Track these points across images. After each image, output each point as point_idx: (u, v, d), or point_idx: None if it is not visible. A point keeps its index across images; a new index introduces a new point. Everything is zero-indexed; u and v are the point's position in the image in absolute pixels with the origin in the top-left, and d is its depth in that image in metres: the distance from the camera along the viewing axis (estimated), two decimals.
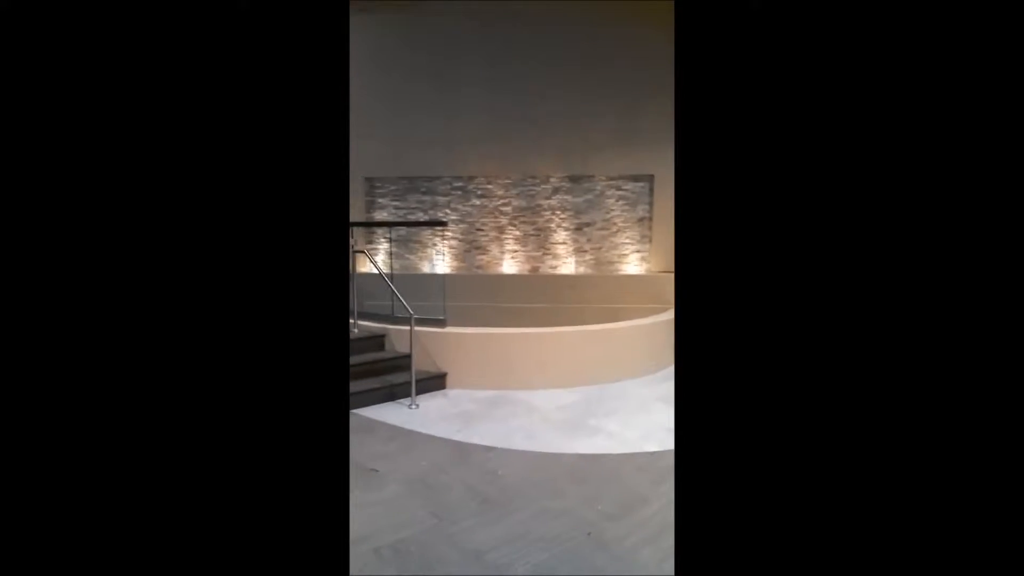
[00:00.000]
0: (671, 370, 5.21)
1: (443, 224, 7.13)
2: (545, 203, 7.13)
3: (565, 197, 7.08)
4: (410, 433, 3.69)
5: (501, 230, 7.22)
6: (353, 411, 4.04)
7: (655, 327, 5.32)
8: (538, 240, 7.18)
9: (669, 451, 3.36)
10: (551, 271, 7.17)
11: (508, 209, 7.19)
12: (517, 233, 7.22)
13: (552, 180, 7.08)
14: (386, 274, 5.06)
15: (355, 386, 4.20)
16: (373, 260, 5.53)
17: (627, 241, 7.06)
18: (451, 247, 7.34)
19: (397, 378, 4.39)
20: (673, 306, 6.13)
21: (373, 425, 3.82)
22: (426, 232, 7.28)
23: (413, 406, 4.15)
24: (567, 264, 7.17)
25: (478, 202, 7.23)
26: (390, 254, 7.20)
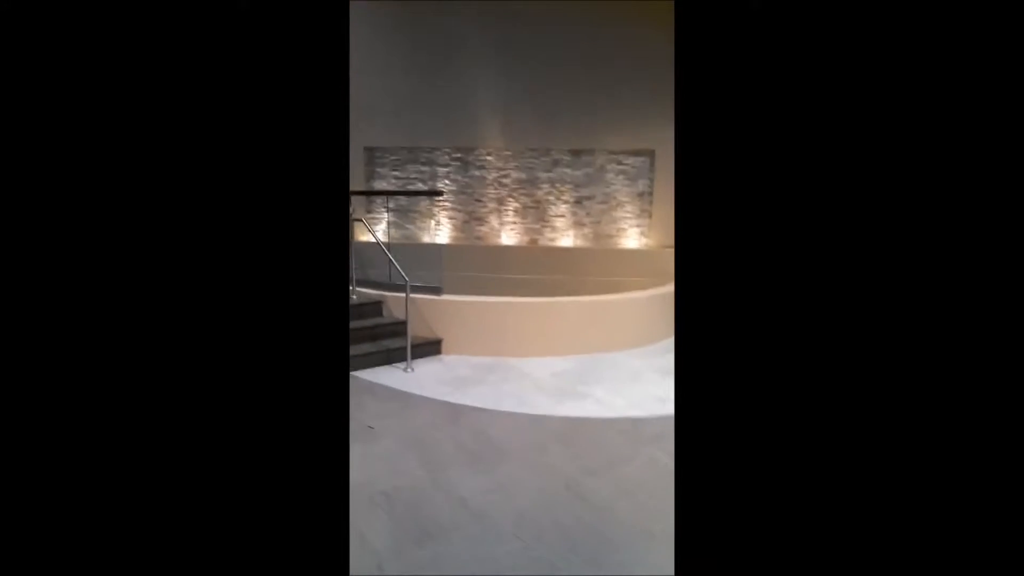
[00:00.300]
0: (665, 343, 5.34)
1: (440, 194, 7.19)
2: (544, 176, 7.17)
3: (565, 170, 7.11)
4: (405, 395, 3.83)
5: (500, 202, 7.28)
6: (352, 373, 4.18)
7: (651, 300, 5.43)
8: (537, 213, 7.24)
9: (653, 417, 3.50)
10: (549, 243, 7.25)
11: (508, 181, 7.24)
12: (516, 205, 7.28)
13: (552, 153, 7.10)
14: (384, 243, 5.15)
15: (354, 350, 4.34)
16: (371, 229, 5.62)
17: (627, 215, 7.12)
18: (451, 218, 7.41)
19: (394, 343, 4.53)
20: (670, 281, 6.23)
21: (371, 387, 3.97)
22: (425, 203, 7.35)
23: (408, 370, 4.29)
24: (566, 237, 7.24)
25: (477, 173, 7.27)
26: (388, 223, 7.28)
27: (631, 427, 3.34)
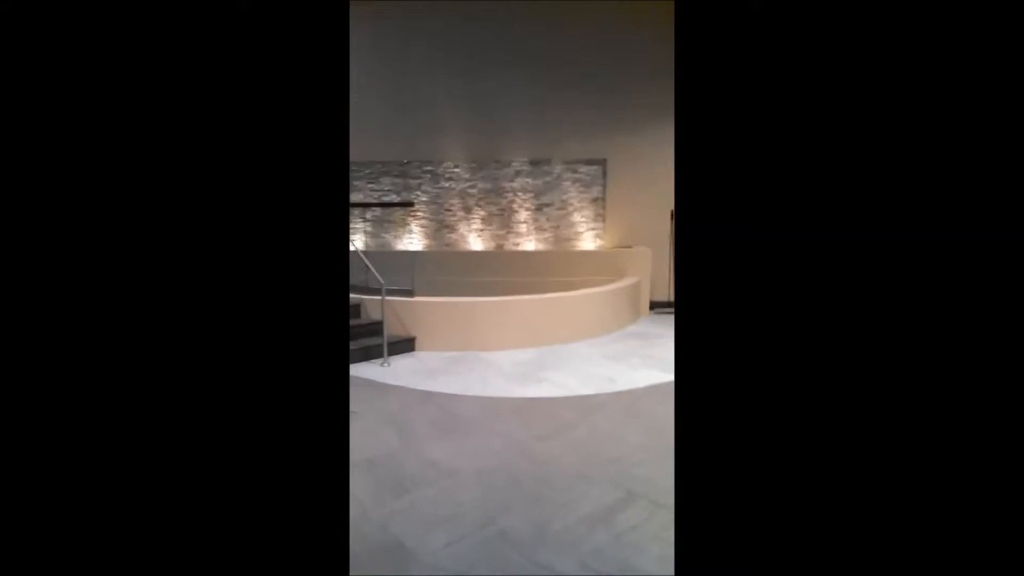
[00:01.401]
0: (616, 334, 5.91)
1: (411, 204, 7.69)
2: (508, 185, 7.72)
3: (526, 180, 7.68)
4: (382, 384, 4.31)
5: (468, 210, 7.81)
6: None
7: (603, 295, 6.01)
8: (502, 219, 7.79)
9: (600, 394, 4.05)
10: (514, 248, 7.80)
11: (474, 191, 7.77)
12: (483, 213, 7.81)
13: (514, 164, 7.66)
14: (361, 251, 5.62)
15: None
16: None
17: (582, 220, 7.71)
18: (422, 226, 7.90)
19: (371, 341, 5.00)
20: (623, 278, 6.82)
21: (352, 380, 4.43)
22: (399, 213, 7.82)
23: (385, 364, 4.77)
24: (529, 241, 7.80)
25: (447, 184, 7.79)
26: (365, 232, 7.75)
27: (580, 402, 3.88)
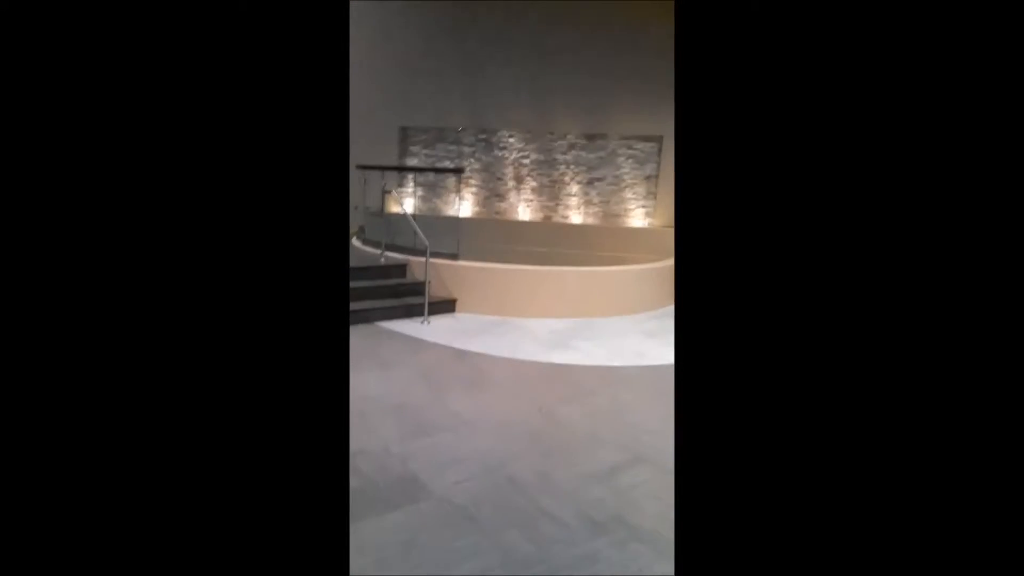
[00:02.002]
0: (655, 312, 5.91)
1: (461, 171, 7.84)
2: (561, 158, 7.74)
3: (580, 153, 7.66)
4: (420, 340, 4.55)
5: (519, 180, 7.89)
6: (376, 323, 4.92)
7: (645, 273, 6.01)
8: (552, 191, 7.83)
9: (628, 366, 4.12)
10: (563, 220, 7.84)
11: (527, 162, 7.83)
12: (534, 184, 7.88)
13: (569, 137, 7.65)
14: (411, 214, 5.84)
15: (379, 303, 5.08)
16: (400, 201, 6.32)
17: (634, 197, 7.64)
18: (473, 194, 8.06)
19: (414, 300, 5.24)
20: (669, 257, 6.76)
21: (391, 334, 4.70)
22: (451, 179, 8.01)
23: (425, 322, 5.01)
24: (577, 215, 7.82)
25: (500, 154, 7.88)
26: (416, 196, 8.00)
27: (606, 372, 3.97)
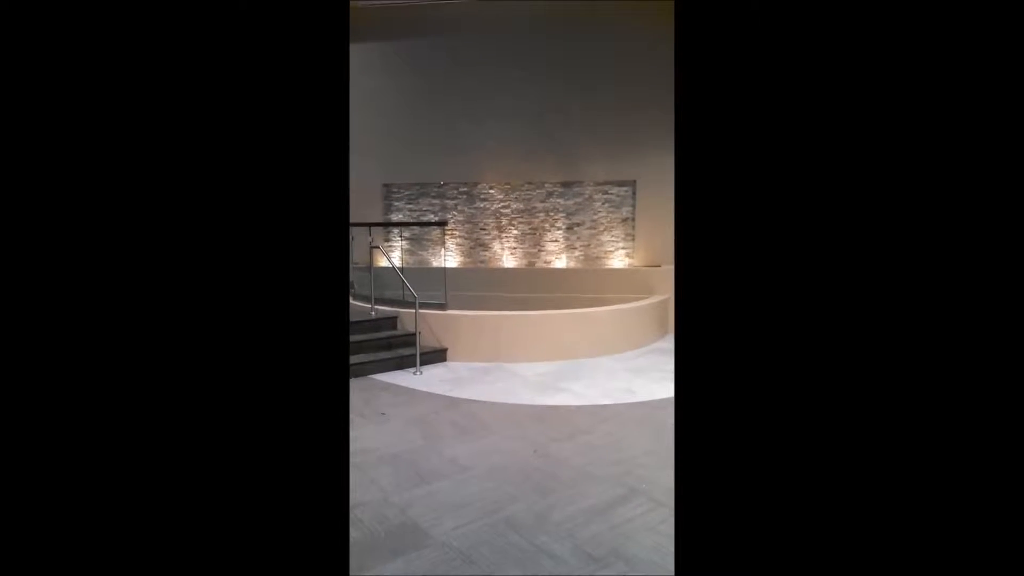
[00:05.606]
0: (641, 349, 6.05)
1: (445, 223, 8.07)
2: (540, 206, 8.02)
3: (558, 200, 7.96)
4: (413, 391, 4.62)
5: (501, 229, 8.14)
6: (369, 376, 4.99)
7: (629, 312, 6.18)
8: (534, 238, 8.08)
9: (618, 403, 4.22)
10: (545, 265, 8.06)
11: (508, 211, 8.10)
12: (516, 232, 8.13)
13: (546, 185, 7.97)
14: (398, 267, 6.00)
15: (371, 356, 5.16)
16: (387, 255, 6.49)
17: (612, 239, 7.91)
18: (458, 244, 8.28)
19: (406, 351, 5.33)
20: (651, 295, 6.96)
21: (386, 386, 4.76)
22: (436, 231, 8.23)
23: (417, 372, 5.09)
24: (560, 259, 8.05)
25: (481, 205, 8.15)
26: (403, 250, 8.18)
27: (597, 411, 4.07)
